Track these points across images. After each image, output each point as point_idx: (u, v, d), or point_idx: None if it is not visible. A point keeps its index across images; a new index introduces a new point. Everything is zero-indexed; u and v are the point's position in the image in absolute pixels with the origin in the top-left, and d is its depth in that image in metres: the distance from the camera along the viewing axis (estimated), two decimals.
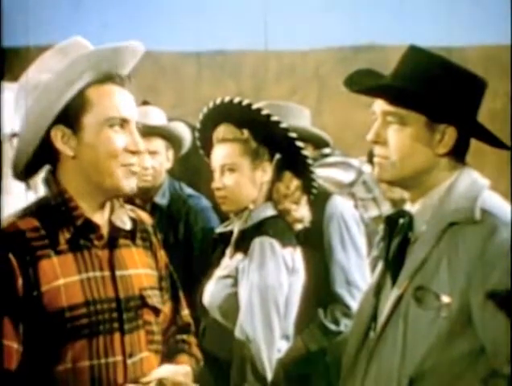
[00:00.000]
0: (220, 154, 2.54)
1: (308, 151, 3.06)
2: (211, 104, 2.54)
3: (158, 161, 3.28)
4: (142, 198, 3.28)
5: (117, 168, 1.81)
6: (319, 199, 2.74)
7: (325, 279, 2.82)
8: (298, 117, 3.09)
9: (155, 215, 3.24)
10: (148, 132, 3.19)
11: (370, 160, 3.30)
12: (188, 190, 3.39)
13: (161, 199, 3.32)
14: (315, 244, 2.78)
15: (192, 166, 3.49)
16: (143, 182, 3.22)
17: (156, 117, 3.34)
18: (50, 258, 1.76)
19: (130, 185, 1.84)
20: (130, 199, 3.25)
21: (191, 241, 3.28)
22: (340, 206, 2.89)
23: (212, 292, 2.54)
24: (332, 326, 2.80)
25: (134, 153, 1.83)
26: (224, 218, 3.08)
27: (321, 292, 2.79)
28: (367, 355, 1.84)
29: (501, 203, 1.79)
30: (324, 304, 2.83)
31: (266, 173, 2.53)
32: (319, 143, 3.19)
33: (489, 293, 1.68)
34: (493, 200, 1.79)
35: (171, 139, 3.30)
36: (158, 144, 3.28)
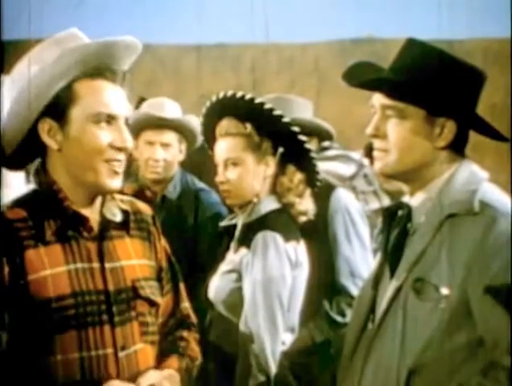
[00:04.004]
0: (224, 148, 2.54)
1: (313, 144, 3.08)
2: (214, 98, 2.54)
3: (170, 153, 3.27)
4: (153, 190, 3.29)
5: (101, 164, 1.80)
6: (323, 192, 2.76)
7: (330, 271, 2.84)
8: (302, 110, 3.10)
9: (165, 207, 3.25)
10: (161, 124, 3.21)
11: (367, 154, 3.30)
12: (200, 185, 3.37)
13: (171, 192, 3.31)
14: (321, 236, 2.81)
15: (198, 160, 3.48)
16: (154, 174, 3.24)
17: (171, 109, 3.34)
18: (37, 248, 1.77)
19: (112, 183, 1.83)
20: (140, 191, 3.29)
21: (199, 234, 3.27)
22: (345, 199, 2.92)
23: (216, 286, 2.54)
24: (338, 318, 2.82)
25: (120, 149, 1.82)
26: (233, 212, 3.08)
27: (327, 284, 2.82)
28: (366, 346, 1.84)
29: (501, 195, 1.80)
30: (330, 296, 2.86)
31: (269, 167, 2.54)
32: (323, 135, 3.20)
33: (488, 286, 1.68)
34: (493, 192, 1.79)
35: (185, 132, 3.29)
36: (171, 137, 3.27)
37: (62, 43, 1.85)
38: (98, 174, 1.81)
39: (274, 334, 2.44)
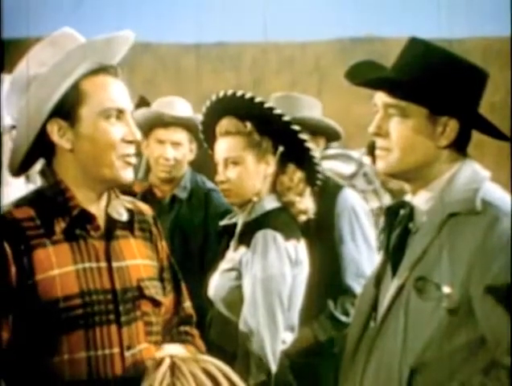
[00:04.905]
0: (224, 148, 2.54)
1: (321, 144, 3.08)
2: (214, 97, 2.54)
3: (180, 152, 3.25)
4: (162, 189, 3.28)
5: (116, 159, 1.82)
6: (330, 192, 2.77)
7: (334, 270, 2.84)
8: (311, 109, 3.09)
9: (175, 206, 3.25)
10: (172, 122, 3.20)
11: (370, 152, 3.31)
12: (210, 185, 3.34)
13: (181, 192, 3.29)
14: (326, 236, 2.81)
15: (202, 159, 3.47)
16: (164, 172, 3.23)
17: (182, 108, 3.33)
18: (45, 247, 1.77)
19: (127, 175, 1.84)
20: (149, 190, 3.28)
21: (209, 234, 3.26)
22: (351, 199, 2.92)
23: (216, 285, 2.54)
24: (343, 318, 2.82)
25: (131, 142, 1.84)
26: None
27: (330, 283, 2.81)
28: (368, 345, 1.84)
29: (502, 195, 1.80)
30: (334, 295, 2.86)
31: (269, 165, 2.54)
32: (331, 135, 3.19)
33: (489, 285, 1.68)
34: (494, 191, 1.79)
35: (195, 131, 3.28)
36: (182, 135, 3.25)
37: (57, 42, 1.85)
38: (114, 169, 1.82)
39: (274, 332, 2.44)
